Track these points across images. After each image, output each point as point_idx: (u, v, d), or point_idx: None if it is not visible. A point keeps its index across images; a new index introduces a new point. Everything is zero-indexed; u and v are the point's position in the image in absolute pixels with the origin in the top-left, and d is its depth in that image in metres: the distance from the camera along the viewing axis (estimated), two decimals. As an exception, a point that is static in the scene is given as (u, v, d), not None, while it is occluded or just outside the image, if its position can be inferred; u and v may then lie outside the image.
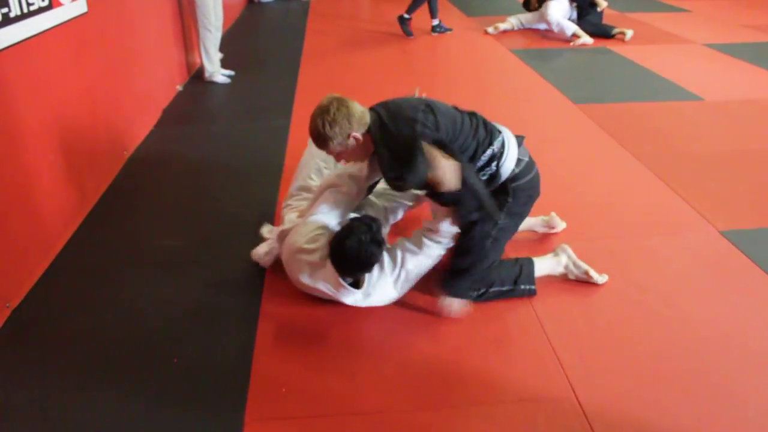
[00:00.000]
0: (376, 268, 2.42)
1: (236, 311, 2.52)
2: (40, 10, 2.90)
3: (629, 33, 6.81)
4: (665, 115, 4.57)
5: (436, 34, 7.19)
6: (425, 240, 2.51)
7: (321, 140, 2.30)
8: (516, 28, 7.35)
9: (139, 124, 4.29)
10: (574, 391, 2.10)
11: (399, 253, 2.49)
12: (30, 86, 2.79)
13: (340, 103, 2.26)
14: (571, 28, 6.78)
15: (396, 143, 2.24)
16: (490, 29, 7.24)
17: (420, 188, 2.38)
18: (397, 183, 2.31)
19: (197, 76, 5.68)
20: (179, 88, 5.29)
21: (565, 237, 2.97)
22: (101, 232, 3.14)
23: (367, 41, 7.03)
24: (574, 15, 6.98)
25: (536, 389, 2.12)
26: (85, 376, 2.21)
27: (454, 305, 2.44)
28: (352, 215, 2.58)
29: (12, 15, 2.66)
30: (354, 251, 2.29)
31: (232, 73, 5.67)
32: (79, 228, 3.15)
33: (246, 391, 2.11)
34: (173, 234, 3.10)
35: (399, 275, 2.47)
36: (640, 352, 2.28)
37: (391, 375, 2.19)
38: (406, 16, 7.07)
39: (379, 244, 2.34)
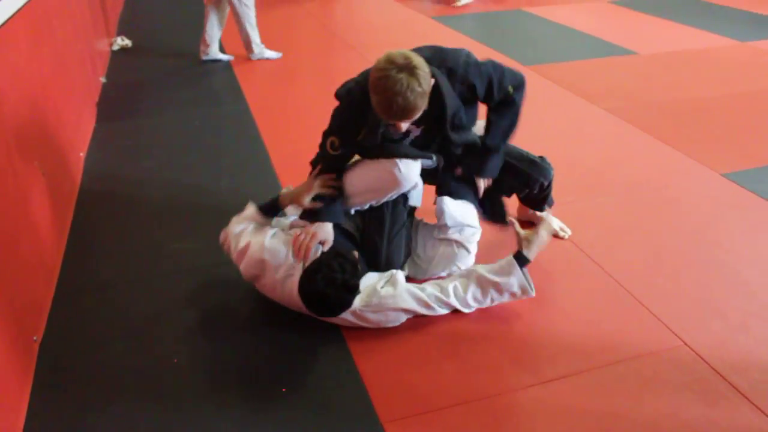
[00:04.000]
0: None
1: (294, 320, 2.25)
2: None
3: None
4: (613, 70, 4.75)
5: None
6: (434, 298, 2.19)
7: (420, 102, 1.94)
8: None
9: (84, 122, 3.83)
10: (682, 340, 2.13)
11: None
12: (8, 83, 2.38)
13: (411, 54, 1.95)
14: None
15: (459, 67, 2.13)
16: None
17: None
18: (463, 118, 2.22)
19: (115, 65, 5.17)
20: (103, 79, 4.78)
21: (578, 198, 3.00)
22: (95, 241, 2.78)
23: (280, 10, 6.73)
24: None
25: (644, 343, 2.12)
26: (171, 413, 1.94)
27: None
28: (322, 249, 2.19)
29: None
30: (320, 294, 1.98)
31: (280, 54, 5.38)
32: (69, 239, 2.77)
33: (368, 396, 1.94)
34: (179, 236, 2.78)
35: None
36: (719, 293, 2.35)
37: (491, 357, 2.09)
38: None
39: (351, 290, 2.01)
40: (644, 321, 2.23)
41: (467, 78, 2.15)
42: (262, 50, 5.29)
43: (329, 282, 1.97)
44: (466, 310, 2.23)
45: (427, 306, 2.17)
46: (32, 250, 2.31)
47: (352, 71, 2.26)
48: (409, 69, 1.90)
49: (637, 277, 2.44)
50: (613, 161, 3.35)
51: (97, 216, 2.99)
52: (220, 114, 4.14)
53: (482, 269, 2.22)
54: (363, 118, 2.13)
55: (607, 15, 6.52)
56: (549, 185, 2.55)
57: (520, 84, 2.27)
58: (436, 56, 2.13)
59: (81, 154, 3.51)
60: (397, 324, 2.17)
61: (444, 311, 2.21)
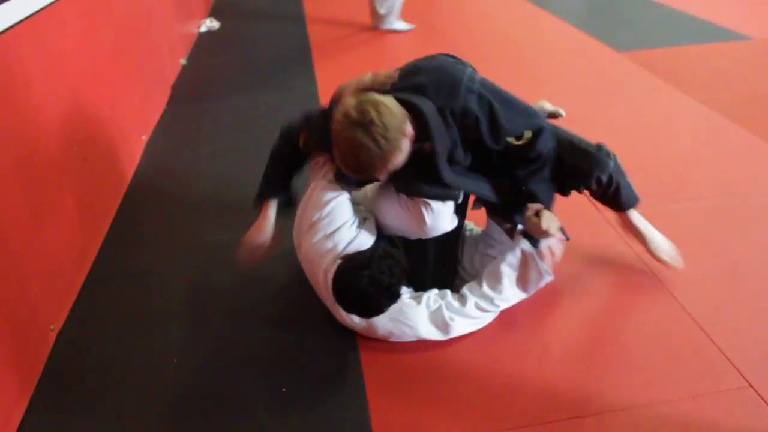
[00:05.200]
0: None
1: (317, 322, 2.13)
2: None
3: None
4: (719, 57, 4.24)
5: None
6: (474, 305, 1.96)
7: (380, 163, 1.70)
8: None
9: (152, 104, 3.86)
10: (747, 380, 1.80)
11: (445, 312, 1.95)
12: (46, 68, 2.36)
13: (372, 103, 1.68)
14: None
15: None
16: None
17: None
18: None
19: (199, 47, 5.23)
20: (183, 61, 4.83)
21: (663, 199, 2.65)
22: (136, 230, 2.76)
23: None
24: None
25: (700, 381, 1.82)
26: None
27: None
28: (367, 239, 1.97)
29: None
30: (360, 292, 1.80)
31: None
32: (111, 227, 2.77)
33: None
34: (221, 227, 2.71)
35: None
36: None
37: (519, 393, 1.86)
38: None
39: (393, 296, 1.84)
40: (704, 353, 1.91)
41: (468, 109, 1.81)
42: (392, 21, 5.31)
43: (374, 282, 1.78)
44: (490, 311, 1.99)
45: (445, 329, 1.93)
46: (59, 237, 2.29)
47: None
48: (364, 126, 1.65)
49: (705, 300, 2.11)
50: (700, 161, 2.96)
51: (145, 202, 2.98)
52: (289, 99, 4.05)
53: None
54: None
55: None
56: (610, 179, 2.11)
57: (539, 129, 1.92)
58: (434, 82, 1.81)
59: (143, 137, 3.53)
60: (407, 341, 1.97)
61: (462, 324, 1.95)
